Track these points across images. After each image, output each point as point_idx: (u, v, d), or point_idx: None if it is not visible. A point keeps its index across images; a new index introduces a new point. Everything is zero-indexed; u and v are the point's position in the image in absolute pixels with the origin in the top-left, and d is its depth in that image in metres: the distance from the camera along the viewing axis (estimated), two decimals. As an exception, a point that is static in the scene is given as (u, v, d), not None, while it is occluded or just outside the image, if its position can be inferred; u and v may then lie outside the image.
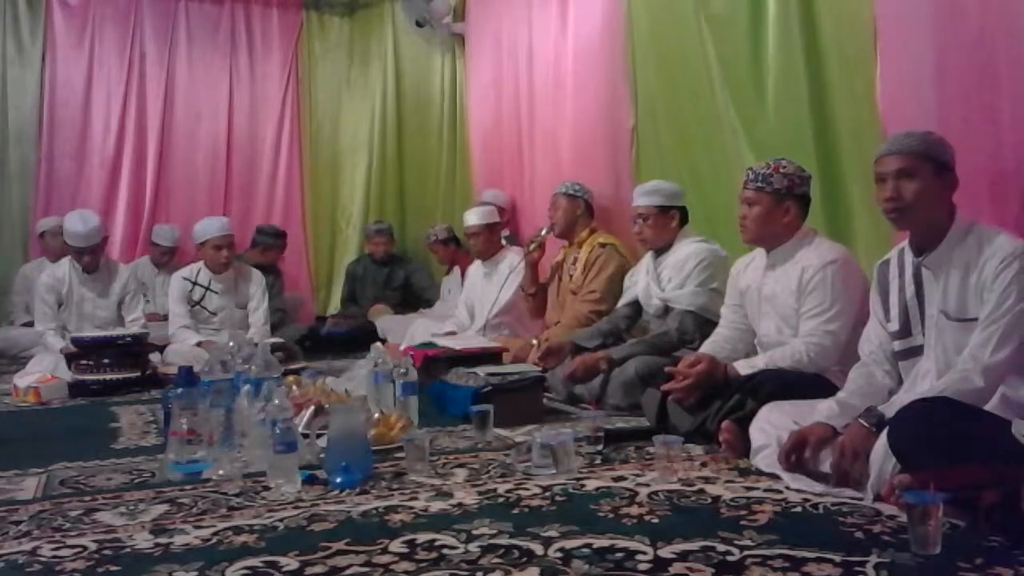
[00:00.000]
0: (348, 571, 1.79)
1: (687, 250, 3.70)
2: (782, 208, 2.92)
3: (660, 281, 3.76)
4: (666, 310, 3.71)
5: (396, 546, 1.92)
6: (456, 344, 4.07)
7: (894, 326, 2.43)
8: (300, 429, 2.73)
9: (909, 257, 2.40)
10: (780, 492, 2.28)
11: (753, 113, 3.81)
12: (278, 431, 2.42)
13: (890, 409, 2.22)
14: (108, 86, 6.74)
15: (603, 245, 4.32)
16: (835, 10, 3.37)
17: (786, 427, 2.47)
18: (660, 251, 3.81)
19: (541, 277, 4.68)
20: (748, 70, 3.81)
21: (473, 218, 5.04)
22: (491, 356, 3.95)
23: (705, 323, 3.53)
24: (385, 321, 6.04)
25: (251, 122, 7.14)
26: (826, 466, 2.32)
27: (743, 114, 3.86)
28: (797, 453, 2.36)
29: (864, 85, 3.20)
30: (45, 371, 4.35)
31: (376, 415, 3.00)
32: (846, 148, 3.36)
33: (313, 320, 6.71)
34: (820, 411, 2.43)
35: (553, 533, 1.98)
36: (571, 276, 4.39)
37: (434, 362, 3.89)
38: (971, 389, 2.14)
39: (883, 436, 2.16)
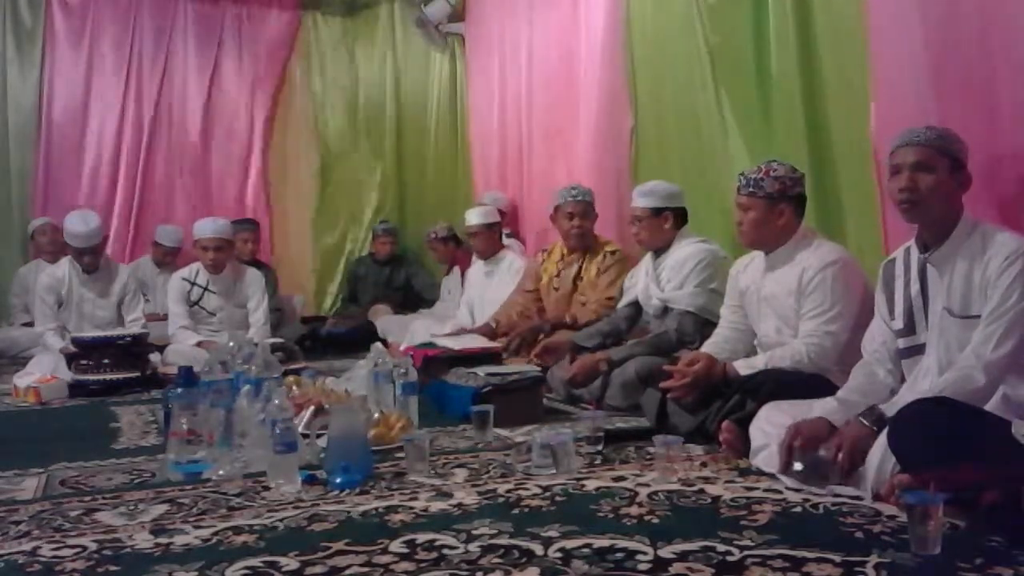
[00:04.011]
0: (348, 571, 1.79)
1: (686, 251, 3.70)
2: (776, 211, 2.92)
3: (659, 281, 3.76)
4: (665, 310, 3.71)
5: (396, 546, 1.92)
6: (455, 344, 4.07)
7: (898, 324, 2.43)
8: (300, 429, 2.73)
9: (915, 254, 2.40)
10: (780, 492, 2.28)
11: (749, 114, 3.83)
12: (278, 431, 2.42)
13: (891, 408, 2.22)
14: (107, 86, 6.75)
15: (613, 252, 4.29)
16: (831, 10, 3.37)
17: (786, 427, 2.46)
18: (659, 252, 3.80)
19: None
20: (745, 70, 3.82)
21: (474, 217, 5.05)
22: (491, 356, 3.94)
23: (704, 324, 3.52)
24: (385, 321, 6.04)
25: (250, 122, 7.14)
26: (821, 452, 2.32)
27: (739, 115, 3.88)
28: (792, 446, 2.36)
29: (858, 84, 3.20)
30: (45, 371, 4.35)
31: (376, 415, 2.99)
32: (839, 147, 3.36)
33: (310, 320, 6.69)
34: (820, 407, 2.43)
35: (553, 533, 1.98)
36: (577, 285, 4.34)
37: (434, 362, 3.88)
38: (973, 387, 2.14)
39: (883, 436, 2.16)
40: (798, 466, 2.32)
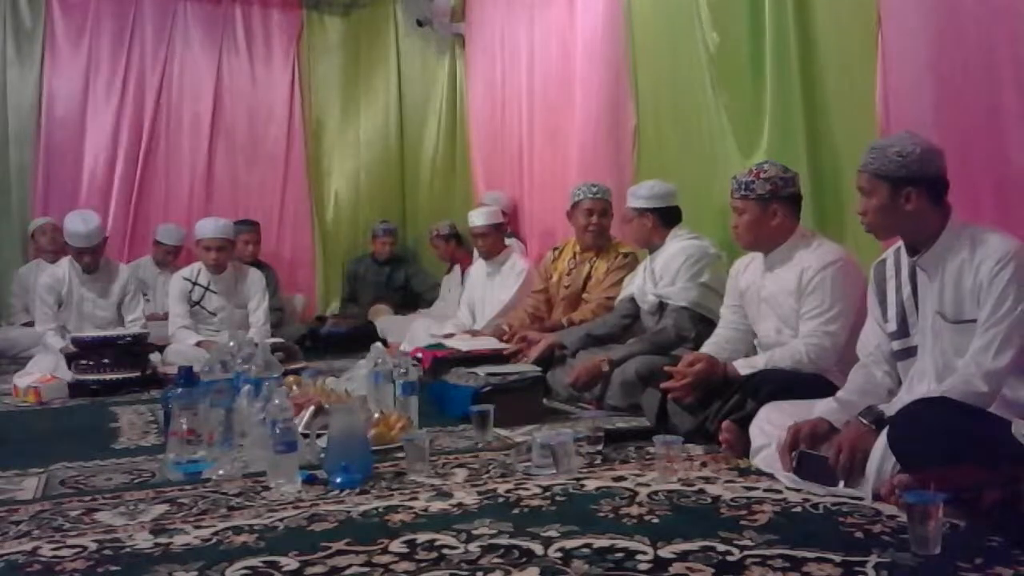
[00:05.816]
0: (348, 571, 1.79)
1: (676, 247, 3.75)
2: (769, 212, 2.93)
3: (654, 277, 3.79)
4: (661, 307, 3.73)
5: (396, 546, 1.92)
6: (464, 346, 4.06)
7: (892, 326, 2.43)
8: (300, 429, 2.72)
9: (905, 256, 2.40)
10: (780, 492, 2.28)
11: (749, 113, 3.83)
12: (278, 431, 2.42)
13: (891, 409, 2.22)
14: (107, 86, 6.74)
15: (626, 255, 4.26)
16: (834, 11, 3.37)
17: (786, 427, 2.46)
18: (653, 249, 3.85)
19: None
20: (745, 70, 3.82)
21: (480, 219, 5.03)
22: (500, 358, 3.91)
23: (700, 319, 3.55)
24: (385, 321, 6.04)
25: (251, 122, 7.14)
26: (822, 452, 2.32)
27: (739, 114, 3.88)
28: (794, 447, 2.36)
29: (863, 86, 3.20)
30: (45, 371, 4.35)
31: (376, 415, 2.99)
32: (841, 148, 3.36)
33: (312, 320, 6.70)
34: (819, 408, 2.43)
35: (553, 533, 1.98)
36: (586, 285, 4.31)
37: (443, 363, 3.86)
38: (974, 394, 2.13)
39: (883, 436, 2.16)
40: (792, 477, 2.32)
